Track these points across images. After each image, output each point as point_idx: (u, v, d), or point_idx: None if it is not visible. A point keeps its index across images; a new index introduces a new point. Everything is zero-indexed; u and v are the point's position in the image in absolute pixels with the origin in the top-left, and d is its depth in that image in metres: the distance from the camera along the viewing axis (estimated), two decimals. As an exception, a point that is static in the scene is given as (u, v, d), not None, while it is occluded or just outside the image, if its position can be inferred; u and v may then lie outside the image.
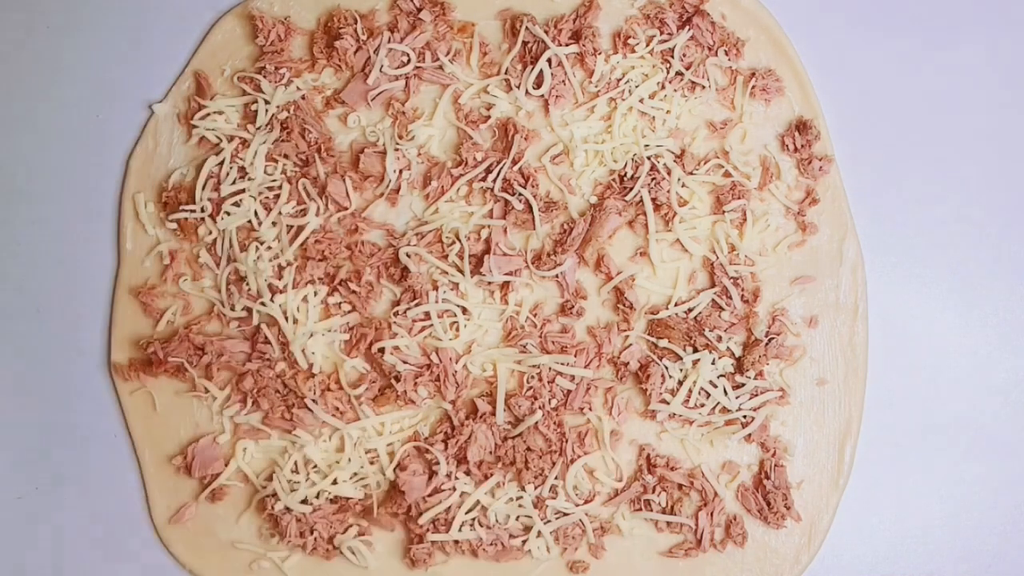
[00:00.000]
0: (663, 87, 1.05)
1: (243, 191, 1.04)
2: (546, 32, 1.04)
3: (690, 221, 1.03)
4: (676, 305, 1.03)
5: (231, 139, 1.05)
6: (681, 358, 1.01)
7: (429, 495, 1.00)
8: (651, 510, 1.01)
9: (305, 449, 1.01)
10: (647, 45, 1.05)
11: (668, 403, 1.01)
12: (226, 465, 1.02)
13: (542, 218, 1.03)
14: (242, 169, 1.04)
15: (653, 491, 1.01)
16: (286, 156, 1.04)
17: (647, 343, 1.03)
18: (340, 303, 1.03)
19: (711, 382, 1.01)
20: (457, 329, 1.02)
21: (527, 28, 1.05)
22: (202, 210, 1.04)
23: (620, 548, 1.02)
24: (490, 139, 1.05)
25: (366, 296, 1.03)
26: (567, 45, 1.04)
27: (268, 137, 1.04)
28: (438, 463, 1.00)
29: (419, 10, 1.05)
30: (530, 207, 1.03)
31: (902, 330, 1.05)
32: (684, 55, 1.04)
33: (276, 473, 1.02)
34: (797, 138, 1.05)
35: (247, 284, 1.03)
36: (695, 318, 1.03)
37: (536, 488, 1.00)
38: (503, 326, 1.03)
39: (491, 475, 1.00)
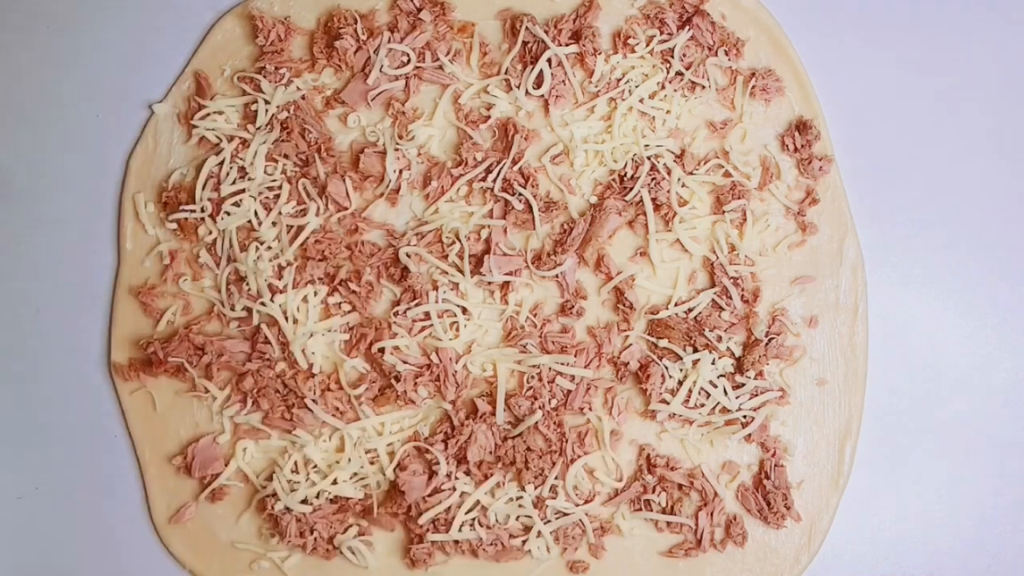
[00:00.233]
0: (663, 87, 1.05)
1: (243, 191, 1.04)
2: (546, 32, 1.04)
3: (690, 221, 1.03)
4: (676, 305, 1.03)
5: (231, 139, 1.05)
6: (681, 358, 1.01)
7: (429, 495, 1.00)
8: (651, 510, 1.01)
9: (305, 449, 1.01)
10: (647, 45, 1.05)
11: (668, 403, 1.01)
12: (226, 465, 1.02)
13: (542, 218, 1.03)
14: (242, 169, 1.04)
15: (653, 491, 1.01)
16: (286, 156, 1.04)
17: (647, 343, 1.03)
18: (340, 303, 1.03)
19: (711, 382, 1.01)
20: (457, 329, 1.02)
21: (527, 28, 1.04)
22: (202, 210, 1.04)
23: (620, 548, 1.02)
24: (490, 139, 1.05)
25: (366, 296, 1.03)
26: (567, 45, 1.04)
27: (268, 137, 1.04)
28: (438, 463, 1.00)
29: (419, 10, 1.05)
30: (530, 207, 1.03)
31: (902, 330, 1.05)
32: (684, 55, 1.04)
33: (276, 473, 1.02)
34: (797, 138, 1.05)
35: (247, 284, 1.03)
36: (695, 318, 1.03)
37: (536, 488, 1.00)
38: (503, 326, 1.03)
39: (491, 475, 1.00)
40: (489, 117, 1.05)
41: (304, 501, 1.01)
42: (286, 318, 1.01)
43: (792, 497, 1.01)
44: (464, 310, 1.02)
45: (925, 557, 1.04)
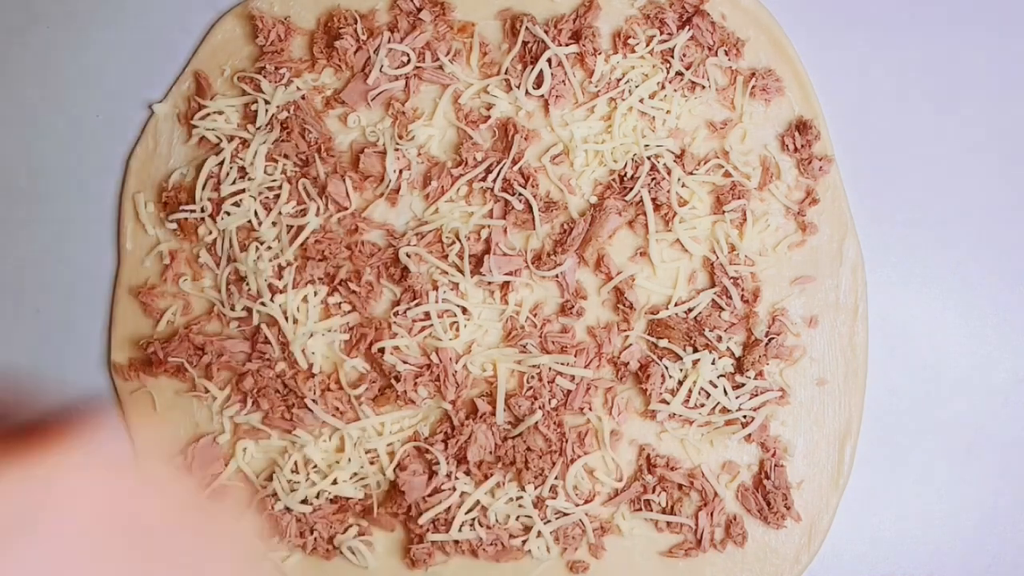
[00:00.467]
0: (663, 87, 1.05)
1: (243, 191, 1.04)
2: (546, 32, 1.04)
3: (690, 221, 1.03)
4: (676, 305, 1.03)
5: (231, 139, 1.05)
6: (681, 358, 1.01)
7: (429, 495, 1.00)
8: (651, 510, 1.01)
9: (305, 449, 1.01)
10: (647, 45, 1.05)
11: (668, 403, 1.01)
12: (226, 465, 1.02)
13: (542, 218, 1.03)
14: (242, 169, 1.04)
15: (653, 491, 1.01)
16: (286, 156, 1.04)
17: (647, 343, 1.03)
18: (340, 303, 1.03)
19: (711, 382, 1.01)
20: (457, 329, 1.02)
21: (527, 28, 1.04)
22: (202, 210, 1.04)
23: (620, 548, 1.02)
24: (490, 139, 1.05)
25: (366, 296, 1.03)
26: (567, 45, 1.04)
27: (268, 137, 1.04)
28: (438, 463, 1.00)
29: (419, 10, 1.05)
30: (530, 207, 1.03)
31: (902, 330, 1.05)
32: (684, 55, 1.04)
33: (276, 473, 1.02)
34: (797, 138, 1.05)
35: (247, 284, 1.03)
36: (695, 318, 1.03)
37: (536, 488, 1.00)
38: (503, 326, 1.03)
39: (491, 475, 1.00)
40: (489, 117, 1.05)
41: (304, 501, 1.01)
42: (286, 318, 1.01)
43: (792, 497, 1.01)
44: (464, 310, 1.02)
45: (925, 557, 1.04)
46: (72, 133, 1.07)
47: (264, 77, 1.05)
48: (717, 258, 1.03)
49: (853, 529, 1.04)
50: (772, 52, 1.06)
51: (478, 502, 1.00)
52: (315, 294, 1.03)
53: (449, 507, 1.00)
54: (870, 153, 1.07)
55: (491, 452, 1.00)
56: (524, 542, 1.00)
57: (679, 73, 1.05)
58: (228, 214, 1.03)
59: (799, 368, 1.03)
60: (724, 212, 1.03)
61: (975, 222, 1.06)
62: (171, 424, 1.03)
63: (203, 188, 1.04)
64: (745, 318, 1.02)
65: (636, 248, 1.04)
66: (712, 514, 1.01)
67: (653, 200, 1.03)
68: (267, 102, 1.04)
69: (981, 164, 1.07)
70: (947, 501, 1.04)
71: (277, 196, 1.04)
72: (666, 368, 1.01)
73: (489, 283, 1.03)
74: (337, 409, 1.01)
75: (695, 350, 1.02)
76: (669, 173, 1.03)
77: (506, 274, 1.02)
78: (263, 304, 1.02)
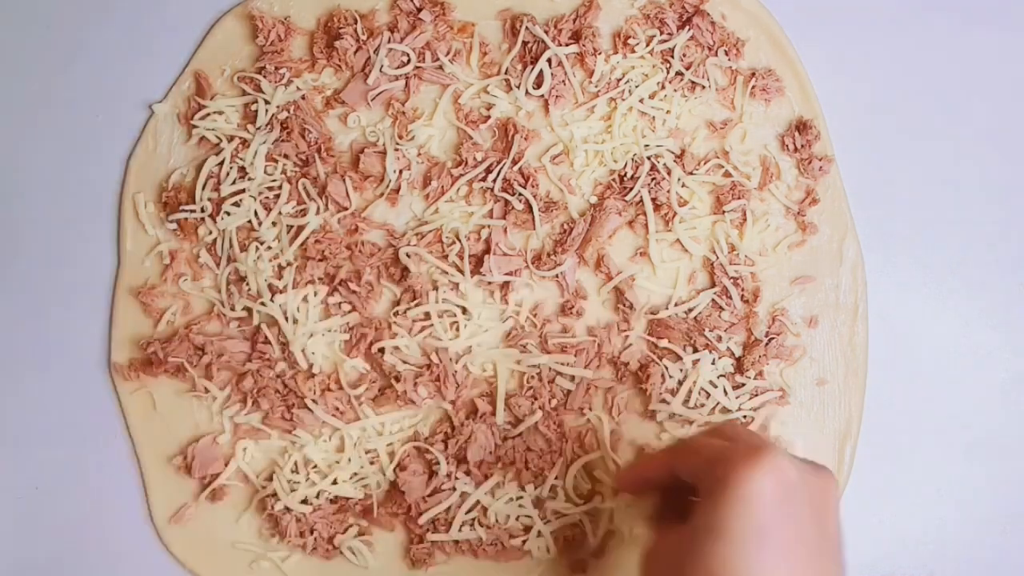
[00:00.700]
0: (663, 87, 1.05)
1: (243, 191, 1.04)
2: (546, 32, 1.04)
3: (690, 221, 1.03)
4: (676, 305, 1.03)
5: (231, 139, 1.05)
6: (681, 358, 1.01)
7: (429, 495, 1.00)
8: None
9: (305, 449, 1.01)
10: (647, 45, 1.05)
11: (668, 403, 1.01)
12: (226, 465, 1.02)
13: (542, 218, 1.03)
14: (242, 169, 1.04)
15: (653, 491, 1.01)
16: (286, 156, 1.04)
17: (647, 343, 1.03)
18: (340, 303, 1.03)
19: (711, 382, 1.01)
20: (457, 329, 1.02)
21: (527, 28, 1.05)
22: (202, 210, 1.04)
23: (620, 548, 1.02)
24: (490, 139, 1.05)
25: (366, 296, 1.03)
26: (567, 45, 1.04)
27: (268, 137, 1.04)
28: (438, 463, 1.00)
29: (419, 10, 1.05)
30: (530, 207, 1.03)
31: (902, 330, 1.05)
32: (684, 55, 1.04)
33: (276, 473, 1.02)
34: (797, 138, 1.05)
35: (247, 284, 1.03)
36: (695, 318, 1.03)
37: (536, 488, 1.00)
38: (503, 326, 1.03)
39: (491, 475, 1.00)
40: (489, 117, 1.05)
41: (304, 501, 1.01)
42: (286, 318, 1.01)
43: (792, 497, 1.01)
44: (464, 310, 1.02)
45: (925, 557, 1.04)
46: (72, 133, 1.07)
47: (264, 77, 1.05)
48: (717, 258, 1.03)
49: (853, 529, 1.03)
50: (772, 52, 1.06)
51: (478, 502, 1.00)
52: (315, 294, 1.02)
53: (449, 507, 1.00)
54: (870, 153, 1.07)
55: (491, 452, 1.00)
56: (524, 542, 1.00)
57: (679, 73, 1.05)
58: (228, 214, 1.03)
59: (799, 368, 1.03)
60: (724, 212, 1.03)
61: (975, 222, 1.06)
62: (171, 424, 1.03)
63: (203, 188, 1.04)
64: (745, 318, 1.02)
65: (636, 248, 1.04)
66: (712, 514, 1.00)
67: (653, 200, 1.03)
68: (267, 102, 1.04)
69: (981, 164, 1.07)
70: (947, 501, 1.04)
71: (277, 196, 1.04)
72: (666, 368, 1.01)
73: (489, 283, 1.02)
74: (337, 409, 1.01)
75: (695, 350, 1.02)
76: (669, 173, 1.03)
77: (506, 274, 1.02)
78: (263, 304, 1.02)
